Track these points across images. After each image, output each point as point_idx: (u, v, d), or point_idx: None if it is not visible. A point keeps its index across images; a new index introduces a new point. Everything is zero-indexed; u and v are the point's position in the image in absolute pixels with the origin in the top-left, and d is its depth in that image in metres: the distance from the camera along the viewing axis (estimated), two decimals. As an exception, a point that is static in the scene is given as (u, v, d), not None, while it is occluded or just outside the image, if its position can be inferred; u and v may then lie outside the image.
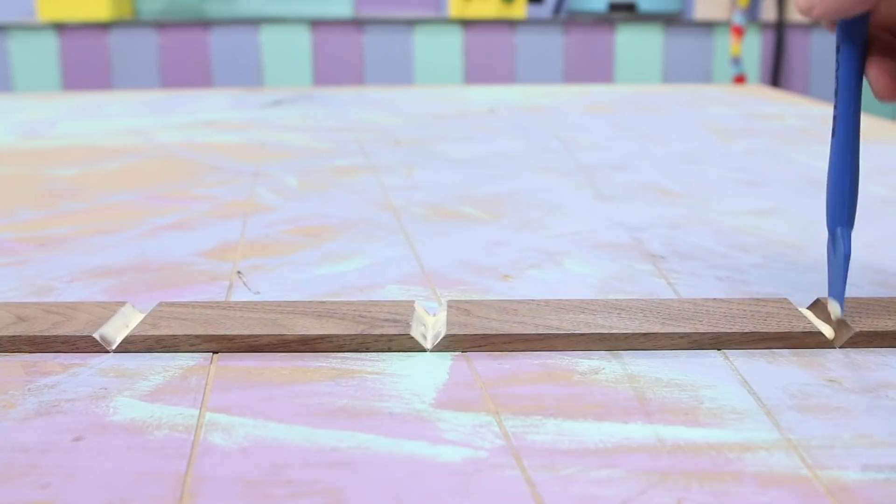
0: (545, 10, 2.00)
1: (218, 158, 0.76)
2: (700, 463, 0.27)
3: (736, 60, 1.97)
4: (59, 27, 1.97)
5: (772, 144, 0.82)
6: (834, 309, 0.36)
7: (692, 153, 0.78)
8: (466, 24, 2.02)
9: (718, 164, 0.73)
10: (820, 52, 2.05)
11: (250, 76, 2.02)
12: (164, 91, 1.32)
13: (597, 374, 0.34)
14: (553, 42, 2.04)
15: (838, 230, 0.36)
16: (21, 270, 0.47)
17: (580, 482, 0.26)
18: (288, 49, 2.02)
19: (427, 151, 0.79)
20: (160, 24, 1.98)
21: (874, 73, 0.35)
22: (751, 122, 0.95)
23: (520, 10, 1.98)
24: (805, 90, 2.07)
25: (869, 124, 0.90)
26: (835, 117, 0.35)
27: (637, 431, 0.29)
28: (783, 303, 0.38)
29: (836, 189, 0.36)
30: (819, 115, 1.00)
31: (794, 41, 2.06)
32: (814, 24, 1.99)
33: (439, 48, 2.03)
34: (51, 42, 1.98)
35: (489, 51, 2.04)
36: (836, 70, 0.35)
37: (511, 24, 2.03)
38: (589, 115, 0.99)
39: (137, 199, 0.62)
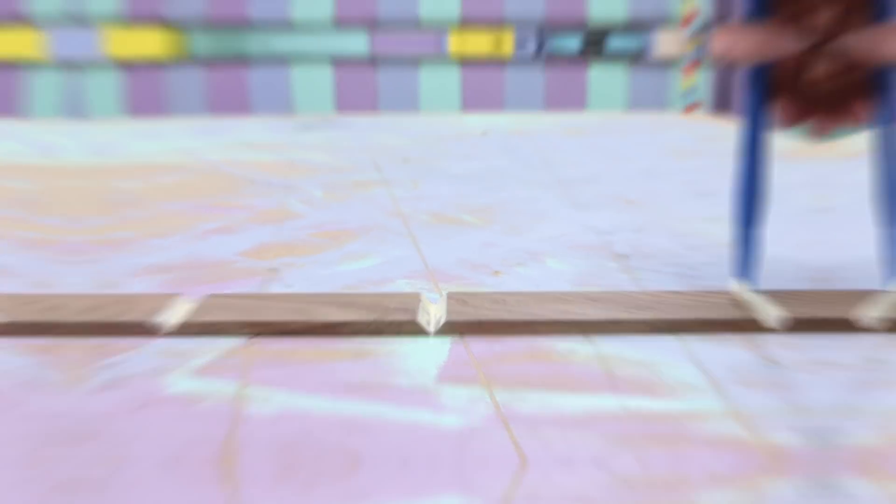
0: (529, 51, 2.00)
1: (256, 174, 0.76)
2: (659, 428, 0.27)
3: (688, 92, 1.97)
4: (124, 64, 1.96)
5: (719, 161, 0.82)
6: (735, 287, 0.39)
7: (652, 169, 0.78)
8: (463, 61, 2.02)
9: (675, 178, 0.73)
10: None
11: (283, 105, 2.02)
12: (210, 117, 1.31)
13: (573, 354, 0.33)
14: (535, 77, 2.04)
15: (741, 229, 0.38)
16: (91, 267, 0.47)
17: (558, 444, 0.26)
18: (314, 82, 2.02)
19: (430, 168, 0.79)
20: (208, 62, 1.98)
21: (775, 109, 0.37)
22: (700, 144, 0.94)
23: (508, 50, 1.98)
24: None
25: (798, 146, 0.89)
26: (741, 140, 0.38)
27: (606, 402, 0.29)
28: (730, 294, 0.38)
29: (740, 195, 0.38)
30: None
31: (740, 71, 2.06)
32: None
33: (440, 81, 2.03)
34: (117, 76, 1.98)
35: (482, 84, 2.04)
36: (743, 102, 0.37)
37: (500, 61, 2.03)
38: (566, 138, 0.99)
39: (188, 208, 0.62)
